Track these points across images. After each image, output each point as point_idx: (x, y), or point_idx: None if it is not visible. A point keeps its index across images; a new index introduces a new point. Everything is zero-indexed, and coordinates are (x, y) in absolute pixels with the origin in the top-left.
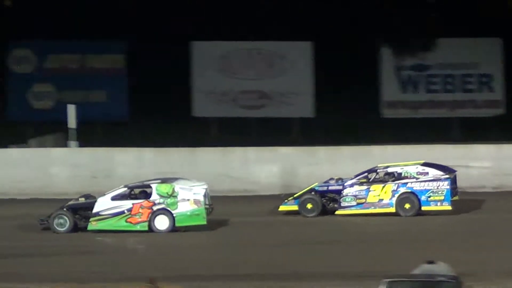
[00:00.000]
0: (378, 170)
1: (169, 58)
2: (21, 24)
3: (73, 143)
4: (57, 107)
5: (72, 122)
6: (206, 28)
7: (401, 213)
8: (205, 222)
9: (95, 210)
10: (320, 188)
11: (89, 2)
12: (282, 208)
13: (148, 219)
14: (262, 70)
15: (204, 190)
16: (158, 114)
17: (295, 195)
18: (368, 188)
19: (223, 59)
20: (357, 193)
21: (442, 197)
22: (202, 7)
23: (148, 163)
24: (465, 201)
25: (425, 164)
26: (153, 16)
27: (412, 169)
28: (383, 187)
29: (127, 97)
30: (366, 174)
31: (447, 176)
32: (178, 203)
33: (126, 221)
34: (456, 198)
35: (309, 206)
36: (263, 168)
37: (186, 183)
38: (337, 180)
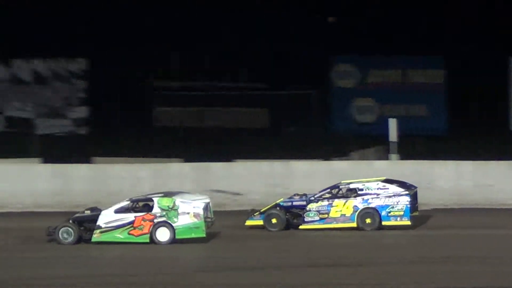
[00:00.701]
0: (340, 186)
1: (489, 71)
2: (344, 38)
3: (394, 156)
4: (379, 120)
5: (393, 135)
6: None
7: (363, 227)
8: (204, 235)
9: (99, 222)
10: (285, 204)
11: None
12: (248, 222)
13: (150, 231)
14: None
15: (204, 204)
16: (476, 128)
17: (261, 210)
18: (331, 204)
19: None
20: (320, 208)
21: (402, 213)
22: None
23: (467, 176)
24: (426, 217)
25: (386, 181)
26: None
27: (373, 185)
28: (345, 202)
29: (446, 111)
30: (329, 190)
31: (406, 192)
32: (179, 216)
33: (129, 233)
34: (416, 213)
35: (273, 221)
36: None
37: (187, 197)
38: (301, 195)
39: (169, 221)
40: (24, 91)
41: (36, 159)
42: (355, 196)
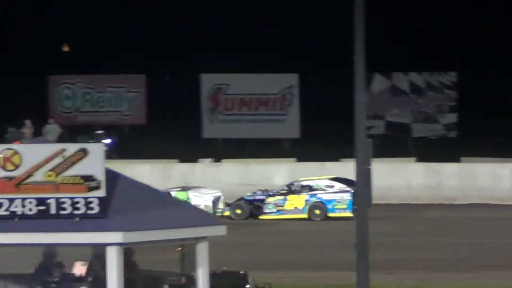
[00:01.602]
0: (295, 183)
1: None
2: None
3: None
4: None
5: None
6: None
7: (312, 218)
8: None
9: None
10: (249, 198)
11: None
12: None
13: None
14: None
15: (214, 197)
16: None
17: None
18: (286, 198)
19: None
20: (277, 201)
21: (345, 206)
22: None
23: None
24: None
25: (334, 179)
26: None
27: (322, 183)
28: (298, 197)
29: None
30: (286, 186)
31: (349, 189)
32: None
33: None
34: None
35: (238, 211)
36: None
37: (201, 191)
38: (264, 191)
39: None
40: (402, 99)
41: (411, 159)
42: (306, 192)
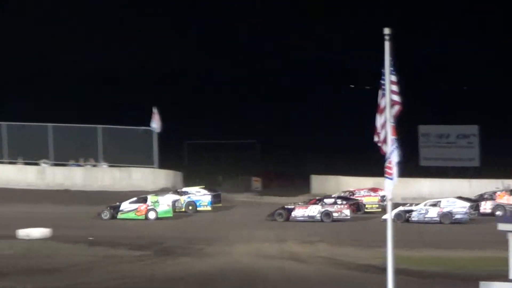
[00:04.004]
0: (178, 190)
1: None
2: None
3: None
4: None
5: None
6: None
7: (188, 212)
8: (171, 215)
9: (121, 208)
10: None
11: None
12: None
13: (145, 213)
14: None
15: (172, 200)
16: None
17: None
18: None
19: None
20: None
21: (206, 204)
22: None
23: None
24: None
25: (203, 188)
26: None
27: (194, 190)
28: (180, 198)
29: None
30: (173, 191)
31: (209, 193)
32: (160, 206)
33: (135, 214)
34: (219, 204)
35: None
36: None
37: (167, 196)
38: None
39: (155, 208)
40: None
41: None
42: (185, 195)
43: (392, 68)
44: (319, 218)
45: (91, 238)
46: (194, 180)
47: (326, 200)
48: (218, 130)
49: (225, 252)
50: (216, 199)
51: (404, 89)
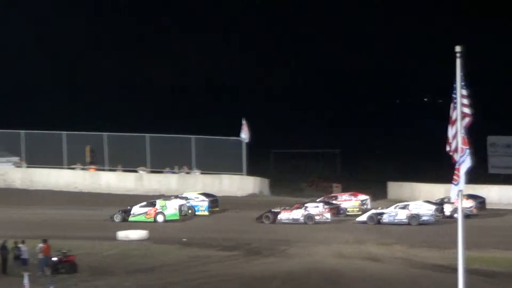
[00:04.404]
0: (179, 195)
1: None
2: None
3: None
4: None
5: None
6: None
7: (187, 215)
8: (178, 218)
9: (132, 211)
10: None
11: None
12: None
13: (154, 216)
14: None
15: (179, 204)
16: None
17: None
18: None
19: None
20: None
21: (204, 208)
22: None
23: None
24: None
25: (201, 194)
26: None
27: (193, 195)
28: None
29: None
30: (174, 196)
31: (207, 199)
32: (167, 209)
33: (145, 217)
34: (217, 209)
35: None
36: None
37: (174, 200)
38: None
39: (163, 211)
40: None
41: None
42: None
43: (463, 83)
44: (302, 221)
45: (184, 240)
46: (280, 186)
47: (309, 205)
48: (303, 140)
49: (307, 253)
50: (213, 204)
51: (474, 102)
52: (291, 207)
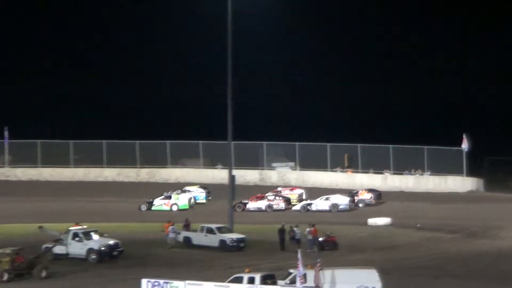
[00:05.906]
0: (184, 189)
1: None
2: None
3: None
4: None
5: None
6: None
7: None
8: (187, 207)
9: (154, 203)
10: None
11: None
12: None
13: (170, 206)
14: None
15: (188, 197)
16: None
17: None
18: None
19: None
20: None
21: (203, 198)
22: None
23: None
24: None
25: (201, 187)
26: None
27: (194, 188)
28: (168, 201)
29: None
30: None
31: (204, 190)
32: (180, 201)
33: (163, 207)
34: (209, 198)
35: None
36: None
37: (183, 195)
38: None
39: (176, 203)
40: None
41: None
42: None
43: None
44: (264, 209)
45: (418, 225)
46: (495, 185)
47: (268, 197)
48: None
49: None
50: (209, 194)
51: None
52: (257, 198)
